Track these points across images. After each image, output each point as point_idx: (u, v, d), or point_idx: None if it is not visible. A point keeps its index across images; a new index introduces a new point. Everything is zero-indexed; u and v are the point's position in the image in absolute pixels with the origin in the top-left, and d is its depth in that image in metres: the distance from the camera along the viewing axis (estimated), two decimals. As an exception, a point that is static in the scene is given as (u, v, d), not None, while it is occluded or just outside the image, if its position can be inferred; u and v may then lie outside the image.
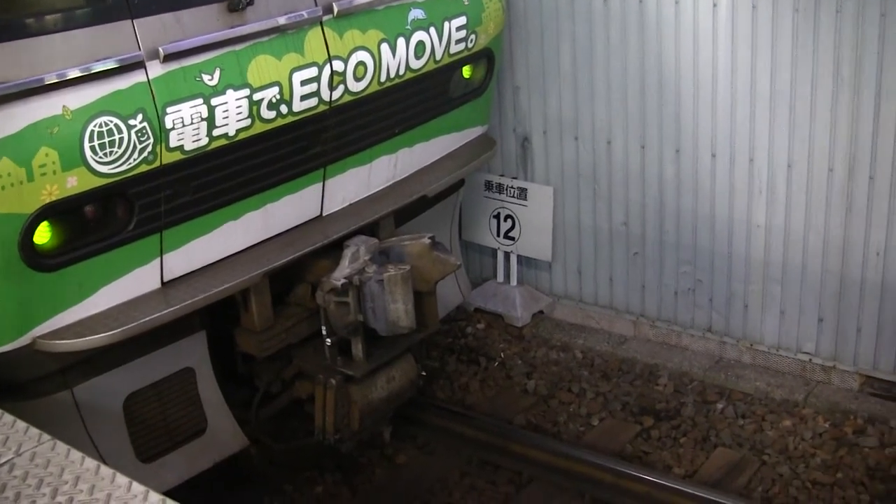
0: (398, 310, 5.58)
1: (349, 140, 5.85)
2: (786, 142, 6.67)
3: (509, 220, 7.96)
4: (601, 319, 7.93)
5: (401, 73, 5.93)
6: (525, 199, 7.86)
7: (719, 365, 7.34)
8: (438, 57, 6.16)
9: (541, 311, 8.17)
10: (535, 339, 7.92)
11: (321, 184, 5.82)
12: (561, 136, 7.61)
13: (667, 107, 7.05)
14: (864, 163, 6.44)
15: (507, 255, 8.16)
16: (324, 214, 5.94)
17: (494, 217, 8.05)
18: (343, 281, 5.52)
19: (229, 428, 5.82)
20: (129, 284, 4.99)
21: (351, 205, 6.09)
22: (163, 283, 5.14)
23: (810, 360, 7.07)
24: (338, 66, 5.51)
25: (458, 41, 6.25)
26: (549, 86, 7.55)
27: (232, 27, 5.04)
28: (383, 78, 5.82)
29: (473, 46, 6.43)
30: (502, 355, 7.73)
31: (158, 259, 5.08)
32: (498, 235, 8.09)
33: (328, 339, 5.77)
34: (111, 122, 4.56)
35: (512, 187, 7.91)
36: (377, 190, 6.25)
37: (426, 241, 5.87)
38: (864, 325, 6.78)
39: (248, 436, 5.93)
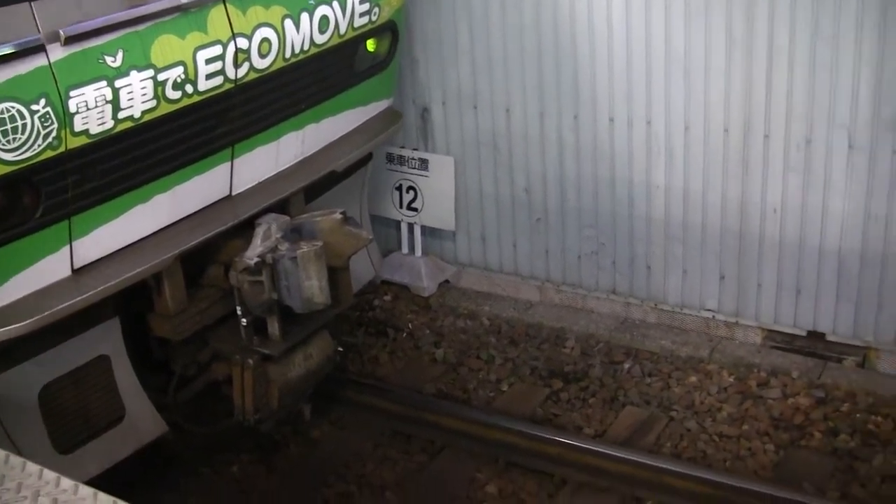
0: (312, 286, 5.56)
1: (256, 118, 5.79)
2: (682, 104, 6.79)
3: (412, 192, 7.99)
4: (507, 286, 8.01)
5: (305, 48, 5.88)
6: (426, 169, 7.88)
7: (625, 326, 7.48)
8: (343, 31, 6.12)
9: (447, 281, 8.22)
10: (442, 308, 7.97)
11: (230, 163, 5.75)
12: (460, 106, 7.64)
13: (564, 73, 7.12)
14: (758, 122, 6.59)
15: (410, 227, 8.19)
16: (233, 194, 5.88)
17: (397, 189, 8.07)
18: (256, 260, 5.47)
19: (148, 414, 5.74)
20: (39, 273, 4.88)
21: (260, 183, 6.03)
22: (73, 271, 5.04)
23: (713, 316, 7.24)
24: (242, 43, 5.44)
25: (362, 14, 6.22)
26: (446, 56, 7.57)
27: (133, 7, 4.94)
28: (288, 54, 5.76)
29: (377, 19, 6.40)
30: (410, 326, 7.77)
31: (68, 246, 4.97)
32: (401, 207, 8.11)
33: (244, 320, 5.72)
34: (13, 108, 4.45)
35: (413, 159, 7.92)
36: (286, 167, 6.20)
37: (338, 216, 5.84)
38: (764, 281, 6.97)
39: (167, 421, 5.86)
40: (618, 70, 6.93)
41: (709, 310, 7.25)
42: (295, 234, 5.72)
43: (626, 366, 7.09)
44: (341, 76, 6.39)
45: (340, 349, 6.36)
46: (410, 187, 7.98)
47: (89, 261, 5.11)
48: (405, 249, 8.29)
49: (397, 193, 8.07)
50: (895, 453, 6.14)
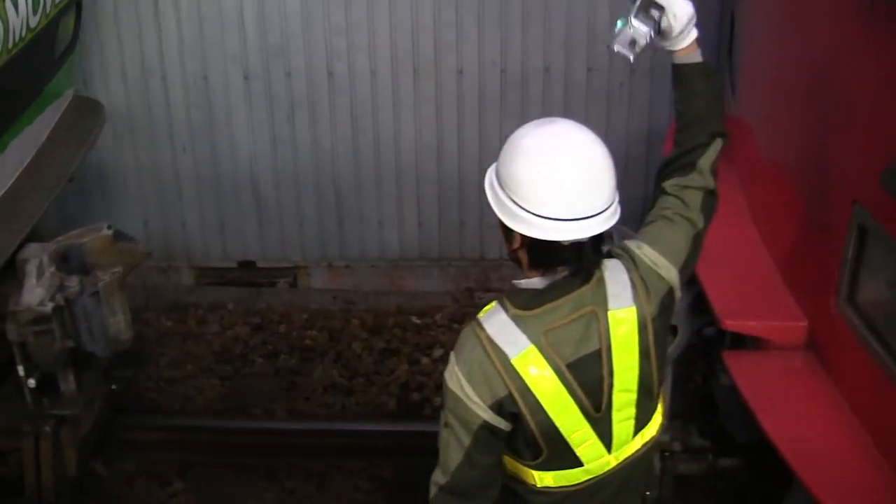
0: (119, 322, 4.63)
1: None
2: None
3: None
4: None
5: (23, 34, 4.77)
6: None
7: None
8: (48, 9, 5.04)
9: None
10: None
11: None
12: None
13: None
14: (154, 64, 6.60)
15: None
16: None
17: None
18: (50, 305, 4.43)
19: None
20: None
21: None
22: None
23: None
24: None
25: None
26: None
27: None
28: (10, 43, 4.65)
29: None
30: None
31: None
32: None
33: (31, 380, 4.67)
34: None
35: None
36: (12, 181, 5.00)
37: (106, 231, 4.85)
38: (188, 220, 7.01)
39: None
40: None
41: (139, 257, 7.18)
42: (64, 264, 4.68)
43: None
44: (46, 64, 5.34)
45: (114, 387, 5.42)
46: None
47: None
48: None
49: None
50: (333, 362, 6.46)
